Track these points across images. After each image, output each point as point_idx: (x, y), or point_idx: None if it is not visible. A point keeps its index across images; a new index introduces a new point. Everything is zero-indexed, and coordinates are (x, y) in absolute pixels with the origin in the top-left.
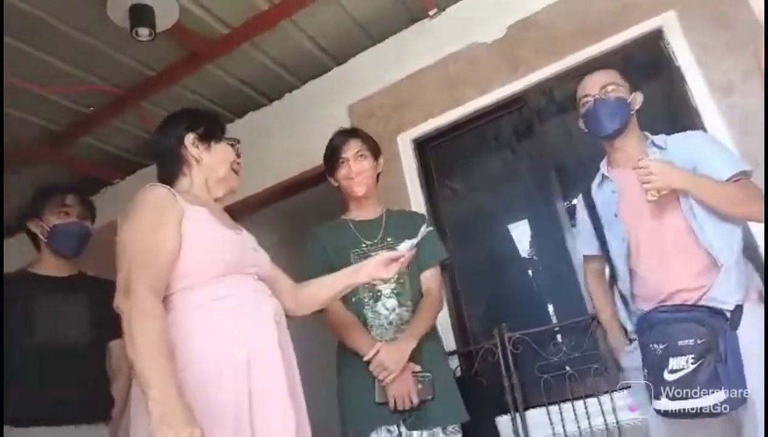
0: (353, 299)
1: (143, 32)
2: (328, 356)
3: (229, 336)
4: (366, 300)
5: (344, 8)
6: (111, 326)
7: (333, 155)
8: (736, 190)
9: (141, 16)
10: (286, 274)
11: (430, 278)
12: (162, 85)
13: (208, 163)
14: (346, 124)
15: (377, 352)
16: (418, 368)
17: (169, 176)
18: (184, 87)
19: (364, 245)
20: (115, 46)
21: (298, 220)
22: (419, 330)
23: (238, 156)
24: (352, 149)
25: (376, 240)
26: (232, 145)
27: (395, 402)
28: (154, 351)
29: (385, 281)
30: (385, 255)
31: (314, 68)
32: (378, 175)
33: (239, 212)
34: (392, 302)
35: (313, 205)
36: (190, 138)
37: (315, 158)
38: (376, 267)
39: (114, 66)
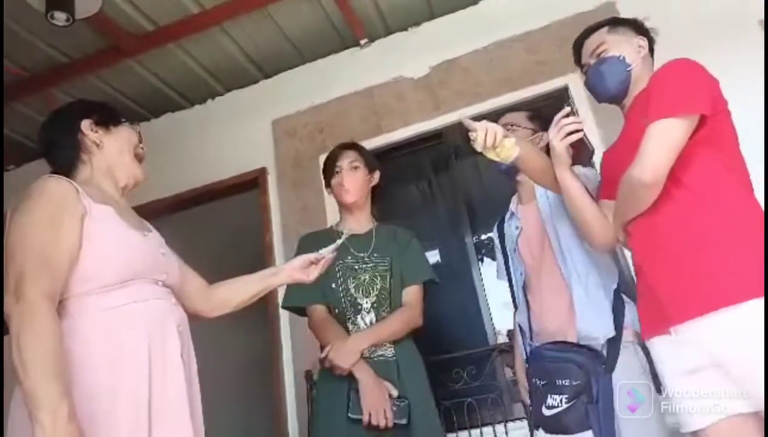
0: (336, 310)
1: (59, 16)
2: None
3: (129, 349)
4: (347, 312)
5: (277, 24)
6: None
7: (329, 164)
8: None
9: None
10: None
11: (410, 293)
12: (76, 74)
13: (109, 147)
14: (269, 139)
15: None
16: (395, 393)
17: (66, 165)
18: (99, 78)
19: (350, 257)
20: (29, 27)
21: (208, 230)
22: (378, 333)
23: (140, 141)
24: (346, 159)
25: (364, 255)
26: (133, 128)
27: (369, 417)
28: (46, 371)
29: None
30: (304, 257)
31: (241, 78)
32: (374, 189)
33: (146, 214)
34: (371, 316)
35: (226, 215)
36: (86, 123)
37: (231, 168)
38: (297, 270)
39: (25, 48)
